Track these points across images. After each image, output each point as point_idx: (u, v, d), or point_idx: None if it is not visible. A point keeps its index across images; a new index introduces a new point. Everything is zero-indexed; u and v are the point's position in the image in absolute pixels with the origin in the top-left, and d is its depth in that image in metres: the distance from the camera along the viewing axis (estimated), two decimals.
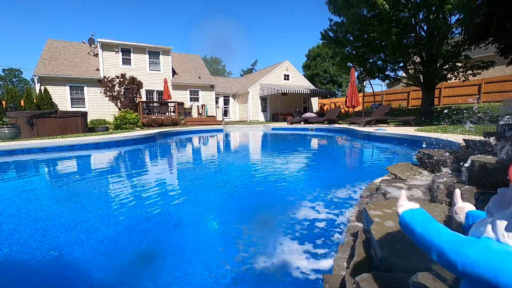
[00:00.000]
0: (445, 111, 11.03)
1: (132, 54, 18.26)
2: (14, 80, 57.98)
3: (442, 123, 9.39)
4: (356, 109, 20.61)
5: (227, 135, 13.51)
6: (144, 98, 18.44)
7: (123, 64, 18.01)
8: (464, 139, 3.41)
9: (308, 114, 18.58)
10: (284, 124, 17.54)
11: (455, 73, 13.72)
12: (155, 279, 1.77)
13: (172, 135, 12.56)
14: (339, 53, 16.29)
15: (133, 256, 2.10)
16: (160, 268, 1.91)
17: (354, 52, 15.34)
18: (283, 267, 1.82)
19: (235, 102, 25.50)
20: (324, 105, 28.47)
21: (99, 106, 17.29)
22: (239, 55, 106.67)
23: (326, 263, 1.82)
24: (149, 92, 19.07)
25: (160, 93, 19.22)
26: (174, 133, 12.89)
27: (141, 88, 18.33)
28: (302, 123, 17.34)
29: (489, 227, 0.61)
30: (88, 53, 19.23)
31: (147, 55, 18.75)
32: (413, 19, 12.51)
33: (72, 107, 16.48)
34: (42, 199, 3.55)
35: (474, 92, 17.04)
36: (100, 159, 6.99)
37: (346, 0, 13.16)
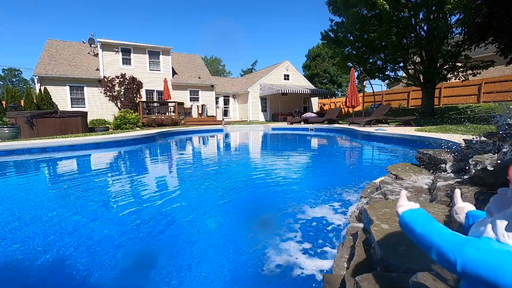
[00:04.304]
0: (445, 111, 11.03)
1: (132, 54, 18.26)
2: (14, 80, 58.00)
3: (442, 119, 9.38)
4: (356, 109, 20.62)
5: (227, 135, 13.51)
6: (144, 98, 18.44)
7: (123, 64, 18.00)
8: (464, 139, 3.41)
9: (308, 114, 18.57)
10: (284, 124, 17.53)
11: (455, 73, 13.73)
12: (155, 278, 1.77)
13: (172, 135, 12.56)
14: (339, 53, 16.30)
15: (131, 255, 2.10)
16: (156, 266, 1.91)
17: (354, 52, 15.35)
18: (282, 267, 1.82)
19: (235, 102, 25.49)
20: (324, 105, 28.47)
21: (99, 106, 17.28)
22: (239, 55, 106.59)
23: (326, 263, 1.82)
24: (149, 92, 19.07)
25: (160, 93, 19.21)
26: (174, 133, 12.89)
27: (141, 88, 18.34)
28: (302, 123, 17.33)
29: (489, 227, 0.61)
30: (88, 53, 19.22)
31: (147, 55, 18.74)
32: (413, 19, 12.52)
33: (72, 107, 16.47)
34: (42, 199, 3.55)
35: (474, 92, 17.03)
36: (100, 159, 6.99)
37: (346, 0, 13.17)
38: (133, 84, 17.86)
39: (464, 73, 13.62)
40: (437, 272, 1.05)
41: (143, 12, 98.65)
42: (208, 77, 22.33)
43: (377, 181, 2.96)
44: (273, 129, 15.60)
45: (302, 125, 15.93)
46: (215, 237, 2.37)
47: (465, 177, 2.18)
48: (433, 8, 11.40)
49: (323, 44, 19.25)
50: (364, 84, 20.19)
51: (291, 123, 17.55)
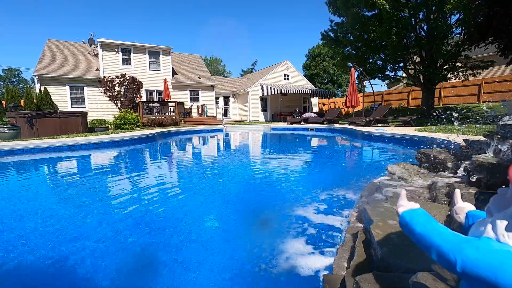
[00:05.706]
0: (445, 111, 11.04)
1: (132, 54, 18.25)
2: (14, 80, 57.99)
3: (442, 119, 9.40)
4: (356, 109, 20.60)
5: (227, 135, 13.51)
6: (144, 98, 18.43)
7: (123, 64, 18.00)
8: (464, 139, 3.41)
9: (308, 114, 18.57)
10: (284, 124, 17.53)
11: (455, 73, 13.73)
12: (156, 279, 1.77)
13: (172, 135, 12.56)
14: (339, 53, 16.31)
15: (130, 256, 2.09)
16: (153, 264, 1.91)
17: (354, 52, 15.35)
18: (282, 266, 1.82)
19: (235, 102, 25.49)
20: (324, 105, 28.47)
21: (99, 106, 17.28)
22: (239, 55, 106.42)
23: (326, 263, 1.82)
24: (149, 92, 19.07)
25: (160, 93, 19.21)
26: (174, 133, 12.88)
27: (141, 88, 18.33)
28: (302, 123, 17.33)
29: (489, 227, 0.61)
30: (88, 53, 19.22)
31: (147, 55, 18.74)
32: (413, 19, 12.51)
33: (72, 107, 16.47)
34: (42, 199, 3.55)
35: (474, 92, 17.03)
36: (100, 159, 6.99)
37: (346, 0, 13.17)
38: (133, 84, 17.87)
39: (464, 73, 13.62)
40: (437, 272, 1.05)
41: (143, 12, 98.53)
42: (208, 77, 22.33)
43: (377, 181, 2.97)
44: (273, 129, 15.60)
45: (302, 125, 15.93)
46: (214, 235, 2.37)
47: (465, 177, 2.18)
48: (433, 8, 11.40)
49: (323, 44, 19.25)
50: (364, 84, 20.18)
51: (291, 123, 17.55)
